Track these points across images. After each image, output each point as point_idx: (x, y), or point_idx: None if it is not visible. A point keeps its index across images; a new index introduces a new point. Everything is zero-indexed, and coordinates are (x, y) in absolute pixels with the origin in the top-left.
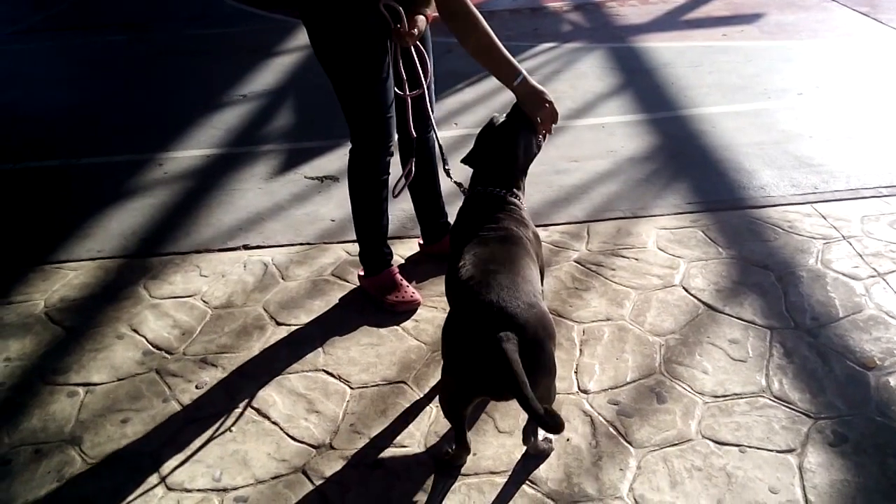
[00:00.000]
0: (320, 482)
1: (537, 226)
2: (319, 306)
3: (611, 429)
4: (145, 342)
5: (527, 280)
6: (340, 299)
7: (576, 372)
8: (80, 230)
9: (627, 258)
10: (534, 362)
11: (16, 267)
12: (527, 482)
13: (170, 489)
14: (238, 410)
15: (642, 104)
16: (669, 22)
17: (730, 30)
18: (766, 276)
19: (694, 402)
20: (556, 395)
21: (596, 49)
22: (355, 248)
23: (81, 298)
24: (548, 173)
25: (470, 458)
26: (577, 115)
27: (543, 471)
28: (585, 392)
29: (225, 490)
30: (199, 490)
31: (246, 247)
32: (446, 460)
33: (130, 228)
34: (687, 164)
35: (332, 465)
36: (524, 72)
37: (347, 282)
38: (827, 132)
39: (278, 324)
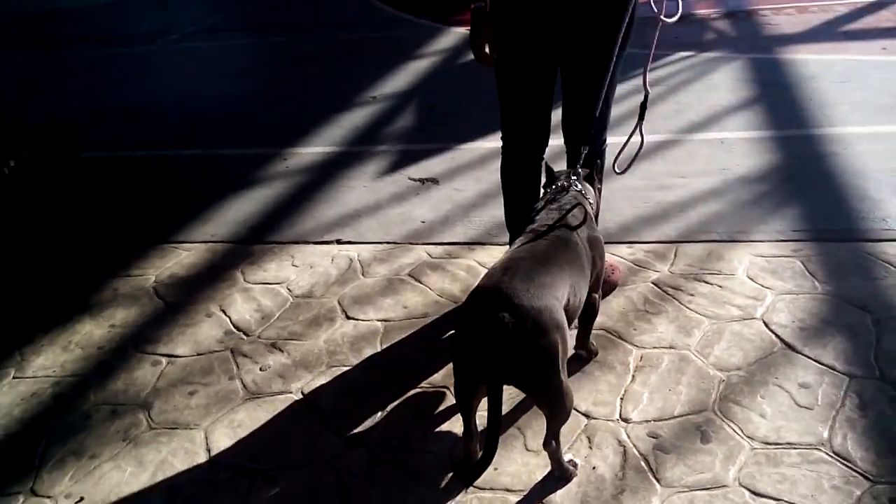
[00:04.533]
0: (346, 476)
1: (623, 242)
2: (389, 304)
3: (642, 462)
4: (229, 322)
5: (550, 274)
6: (409, 300)
7: (622, 398)
8: (202, 214)
9: (710, 284)
10: (530, 350)
11: (143, 243)
12: None
13: (213, 462)
14: (292, 396)
15: (771, 120)
16: (825, 32)
17: (891, 43)
18: (861, 318)
19: (740, 447)
20: (592, 420)
21: (735, 59)
22: (436, 249)
23: (187, 277)
24: (649, 188)
25: (490, 471)
26: (697, 128)
27: (560, 495)
28: (626, 421)
29: (258, 471)
30: (236, 467)
31: (339, 241)
32: (460, 462)
33: (244, 216)
34: (804, 187)
35: (359, 461)
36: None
37: (420, 283)
38: None
39: (348, 317)
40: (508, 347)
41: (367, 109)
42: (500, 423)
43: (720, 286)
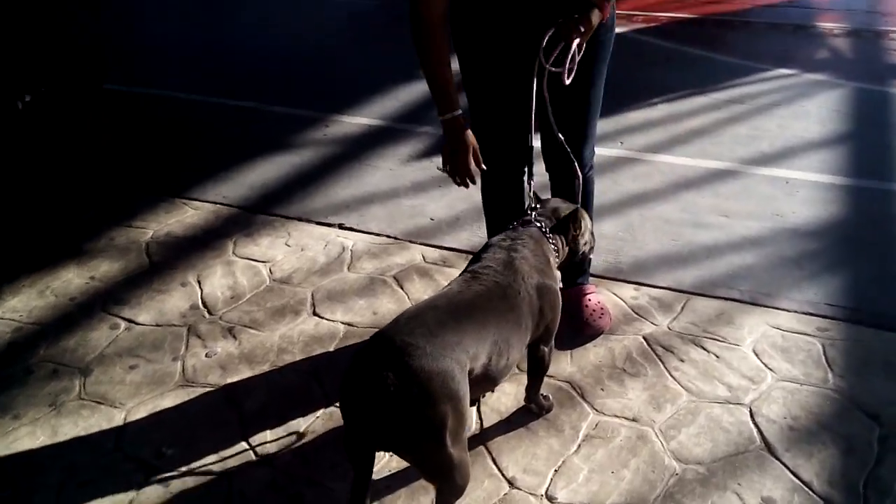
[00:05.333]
0: (237, 499)
1: (630, 282)
2: (360, 307)
3: None
4: (199, 296)
5: (461, 331)
6: (382, 306)
7: (556, 470)
8: (222, 173)
9: (707, 352)
10: (411, 419)
11: (156, 194)
12: None
13: (119, 448)
14: (217, 393)
15: (852, 165)
16: None
17: None
18: (867, 430)
19: None
20: (514, 490)
21: (840, 87)
22: (433, 253)
23: (181, 237)
24: (684, 223)
25: None
26: (764, 161)
27: None
28: (550, 500)
29: (157, 469)
30: (138, 460)
31: (340, 226)
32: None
33: (261, 182)
34: (859, 253)
35: (258, 483)
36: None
37: (401, 288)
38: None
39: (314, 313)
40: (386, 413)
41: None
42: (367, 491)
43: (717, 356)
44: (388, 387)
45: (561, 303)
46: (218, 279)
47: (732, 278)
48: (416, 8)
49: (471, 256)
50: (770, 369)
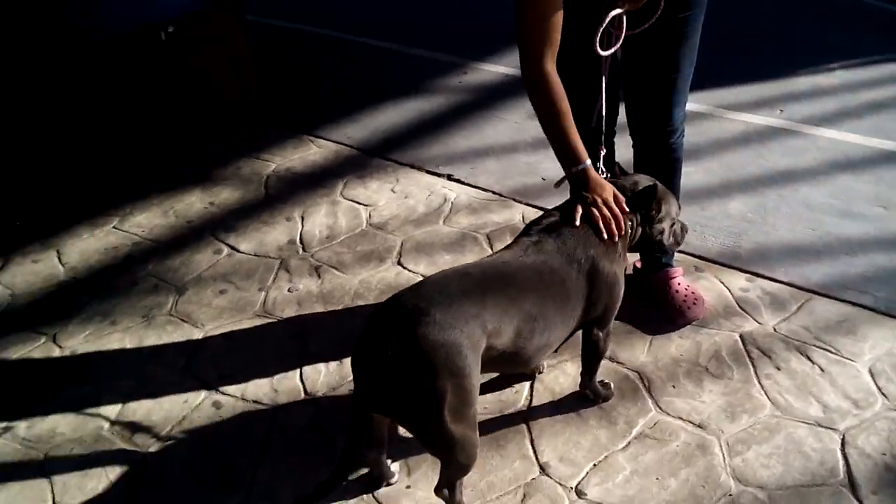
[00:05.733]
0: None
1: (744, 270)
2: (444, 261)
3: None
4: (299, 232)
5: (483, 304)
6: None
7: (595, 465)
8: (352, 113)
9: (812, 362)
10: (407, 390)
11: (288, 129)
12: None
13: (189, 368)
14: (287, 327)
15: None
16: None
17: None
18: None
19: None
20: (543, 476)
21: None
22: (533, 214)
23: (300, 174)
24: (829, 210)
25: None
26: None
27: None
28: (579, 494)
29: (219, 391)
30: (202, 380)
31: (449, 177)
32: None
33: (386, 125)
34: None
35: (304, 413)
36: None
37: (491, 247)
38: None
39: (398, 263)
40: (384, 380)
41: None
42: (355, 456)
43: (822, 369)
44: (389, 353)
45: (622, 287)
46: (320, 217)
47: (870, 281)
48: (533, 79)
49: None
50: (884, 394)
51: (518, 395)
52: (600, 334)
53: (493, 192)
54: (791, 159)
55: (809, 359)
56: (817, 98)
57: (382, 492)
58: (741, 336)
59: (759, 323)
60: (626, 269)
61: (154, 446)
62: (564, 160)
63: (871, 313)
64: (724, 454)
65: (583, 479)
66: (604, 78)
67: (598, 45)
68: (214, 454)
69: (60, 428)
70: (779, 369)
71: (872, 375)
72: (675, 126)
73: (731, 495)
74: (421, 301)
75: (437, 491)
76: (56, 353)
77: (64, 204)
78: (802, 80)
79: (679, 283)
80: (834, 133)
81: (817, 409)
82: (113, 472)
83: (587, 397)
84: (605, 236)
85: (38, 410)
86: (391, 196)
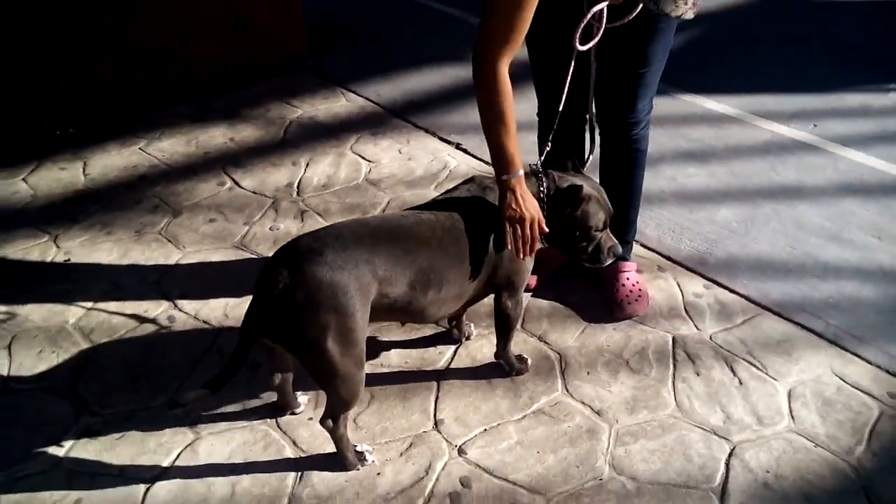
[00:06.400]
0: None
1: (705, 276)
2: None
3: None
4: (300, 176)
5: (375, 253)
6: None
7: (486, 430)
8: (390, 73)
9: (733, 374)
10: (289, 320)
11: (325, 79)
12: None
13: (158, 283)
14: (256, 262)
15: None
16: None
17: None
18: None
19: None
20: (432, 432)
21: None
22: None
23: (320, 124)
24: (819, 232)
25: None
26: None
27: (321, 476)
28: (461, 452)
29: (176, 307)
30: (165, 297)
31: (458, 146)
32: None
33: (416, 88)
34: None
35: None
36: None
37: None
38: None
39: None
40: (271, 309)
41: None
42: (233, 373)
43: (741, 383)
44: (280, 286)
45: (527, 263)
46: (323, 167)
47: (830, 308)
48: (483, 77)
49: None
50: (792, 417)
51: (440, 357)
52: (508, 303)
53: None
54: (802, 175)
55: (733, 370)
56: (859, 118)
57: (285, 420)
58: (674, 338)
59: (698, 329)
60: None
61: (105, 346)
62: (498, 166)
63: (816, 338)
64: (610, 442)
65: (469, 440)
66: (570, 69)
67: (577, 39)
68: (154, 360)
69: (32, 316)
70: (698, 375)
71: (790, 397)
72: (638, 118)
73: (600, 479)
74: (316, 242)
75: (322, 421)
76: (52, 252)
77: (102, 120)
78: (852, 98)
79: (627, 279)
80: (859, 156)
81: (719, 417)
82: (63, 360)
83: (503, 368)
84: (519, 253)
85: (19, 299)
86: (396, 156)
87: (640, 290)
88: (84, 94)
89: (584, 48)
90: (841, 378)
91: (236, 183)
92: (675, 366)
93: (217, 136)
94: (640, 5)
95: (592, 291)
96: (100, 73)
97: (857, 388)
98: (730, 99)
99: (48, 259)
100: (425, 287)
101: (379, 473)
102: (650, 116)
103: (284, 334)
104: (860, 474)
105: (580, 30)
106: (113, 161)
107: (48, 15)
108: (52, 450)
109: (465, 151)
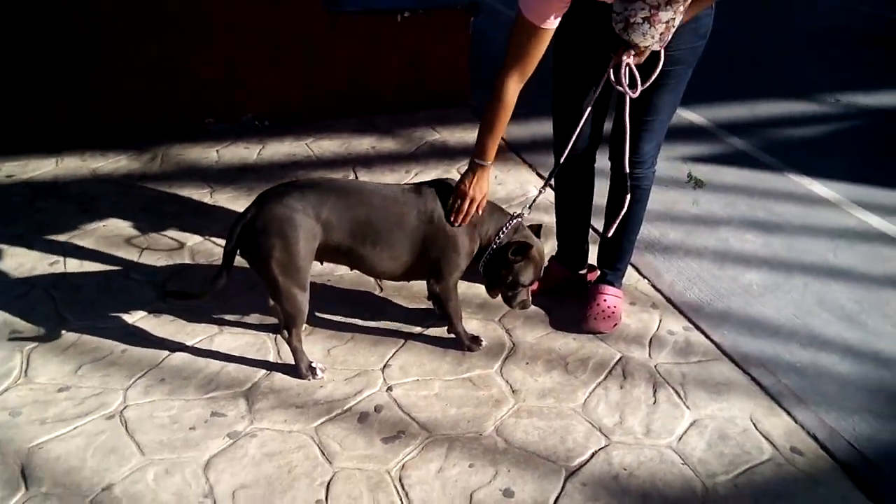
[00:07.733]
0: None
1: (693, 321)
2: None
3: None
4: (406, 181)
5: (324, 203)
6: None
7: (418, 380)
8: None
9: (653, 395)
10: (249, 240)
11: (476, 114)
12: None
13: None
14: None
15: None
16: None
17: None
18: None
19: None
20: (367, 373)
21: None
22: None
23: (449, 147)
24: (837, 311)
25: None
26: None
27: (278, 378)
28: (388, 389)
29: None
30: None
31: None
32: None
33: (543, 132)
34: None
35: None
36: (486, 164)
37: None
38: None
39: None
40: (242, 232)
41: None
42: (220, 277)
43: (655, 402)
44: (248, 216)
45: (458, 256)
46: (425, 177)
47: (791, 370)
48: (494, 85)
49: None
50: (680, 438)
51: (419, 323)
52: (436, 287)
53: None
54: (858, 261)
55: (654, 392)
56: None
57: (277, 337)
58: (621, 357)
59: (650, 356)
60: (469, 254)
61: (201, 265)
62: (476, 150)
63: (757, 389)
64: (507, 413)
65: (401, 383)
66: (587, 110)
67: (618, 83)
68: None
69: (185, 241)
70: (621, 388)
71: (691, 424)
72: (644, 159)
73: (480, 434)
74: (283, 189)
75: (279, 331)
76: (207, 199)
77: (291, 119)
78: None
79: (605, 300)
80: None
81: (612, 420)
82: (165, 265)
83: (459, 341)
84: (453, 220)
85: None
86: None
87: (612, 311)
88: (281, 97)
89: (635, 95)
90: (753, 423)
91: (356, 176)
92: (606, 377)
93: (364, 144)
94: (660, 64)
95: (576, 309)
96: (295, 80)
97: (762, 435)
98: (833, 185)
99: (204, 202)
100: (363, 239)
101: (321, 386)
102: (656, 158)
103: (246, 251)
104: (708, 497)
105: (612, 73)
106: (282, 149)
107: (276, 33)
108: (125, 316)
109: (552, 187)
